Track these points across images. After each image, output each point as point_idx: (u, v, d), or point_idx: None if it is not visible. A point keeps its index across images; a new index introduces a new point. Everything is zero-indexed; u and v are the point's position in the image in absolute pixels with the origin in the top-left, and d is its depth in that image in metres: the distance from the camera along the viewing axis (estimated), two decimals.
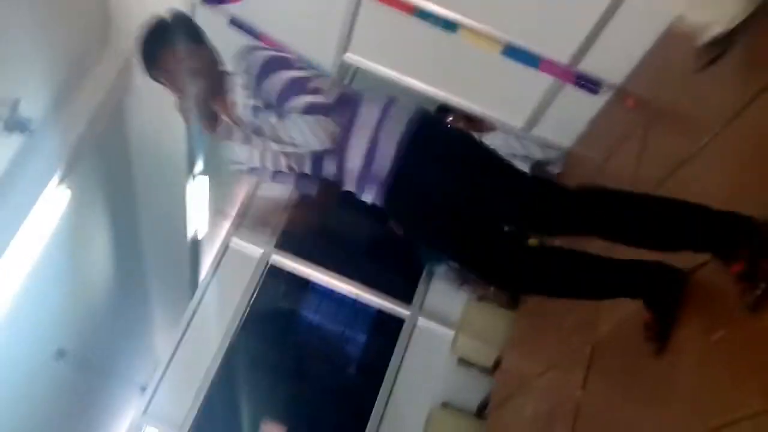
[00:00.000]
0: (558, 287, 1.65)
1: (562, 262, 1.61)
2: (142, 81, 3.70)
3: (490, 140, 3.37)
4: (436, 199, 1.60)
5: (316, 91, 1.59)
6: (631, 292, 1.63)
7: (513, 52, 2.82)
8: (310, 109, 1.57)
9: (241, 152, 1.68)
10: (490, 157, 1.61)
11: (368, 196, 1.67)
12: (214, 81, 1.68)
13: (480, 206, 1.59)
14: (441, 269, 3.80)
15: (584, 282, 1.61)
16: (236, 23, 3.21)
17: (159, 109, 4.00)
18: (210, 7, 3.18)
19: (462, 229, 1.62)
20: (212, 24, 3.20)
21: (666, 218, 1.47)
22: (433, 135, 1.61)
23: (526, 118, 3.21)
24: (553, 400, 2.35)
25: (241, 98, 1.64)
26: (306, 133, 1.54)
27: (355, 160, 1.60)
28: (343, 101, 1.61)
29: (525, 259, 1.62)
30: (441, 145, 1.60)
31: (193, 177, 4.78)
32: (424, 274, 3.94)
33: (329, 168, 1.64)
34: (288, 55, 1.71)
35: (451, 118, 3.44)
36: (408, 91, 3.26)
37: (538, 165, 3.35)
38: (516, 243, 1.67)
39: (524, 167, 3.26)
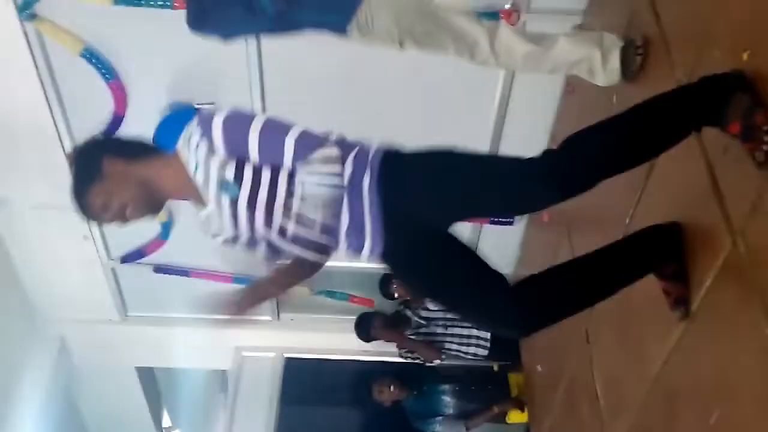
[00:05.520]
0: (570, 304, 1.51)
1: (562, 279, 1.50)
2: (79, 359, 3.68)
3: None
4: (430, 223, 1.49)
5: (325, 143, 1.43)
6: (640, 272, 1.53)
7: None
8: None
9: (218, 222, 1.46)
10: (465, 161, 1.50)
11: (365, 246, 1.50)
12: (149, 180, 1.48)
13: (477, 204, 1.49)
14: (439, 425, 3.58)
15: (595, 288, 1.50)
16: (161, 270, 3.27)
17: (105, 380, 3.89)
18: (130, 265, 3.25)
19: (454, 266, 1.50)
20: (137, 276, 3.27)
21: (649, 120, 1.40)
22: (402, 164, 1.48)
23: None
24: None
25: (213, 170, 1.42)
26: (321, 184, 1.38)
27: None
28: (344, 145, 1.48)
29: (526, 289, 1.48)
30: (413, 172, 1.47)
31: None
32: None
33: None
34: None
35: (395, 286, 3.49)
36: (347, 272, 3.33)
37: None
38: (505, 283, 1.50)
39: None
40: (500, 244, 3.19)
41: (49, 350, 3.59)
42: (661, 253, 1.55)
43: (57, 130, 2.75)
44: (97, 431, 4.24)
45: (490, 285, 1.50)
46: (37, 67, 2.56)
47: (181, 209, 3.08)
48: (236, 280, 3.32)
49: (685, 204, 1.61)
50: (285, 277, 1.56)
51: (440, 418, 3.35)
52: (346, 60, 2.56)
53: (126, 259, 3.24)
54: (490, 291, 1.48)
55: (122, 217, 1.48)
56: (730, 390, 1.39)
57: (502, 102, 2.67)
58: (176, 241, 3.18)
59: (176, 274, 3.27)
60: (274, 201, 1.42)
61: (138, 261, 3.24)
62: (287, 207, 1.42)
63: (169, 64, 2.59)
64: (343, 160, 1.44)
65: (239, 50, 2.52)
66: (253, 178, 1.41)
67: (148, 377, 4.23)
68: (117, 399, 3.95)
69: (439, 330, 3.33)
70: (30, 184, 2.97)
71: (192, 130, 1.44)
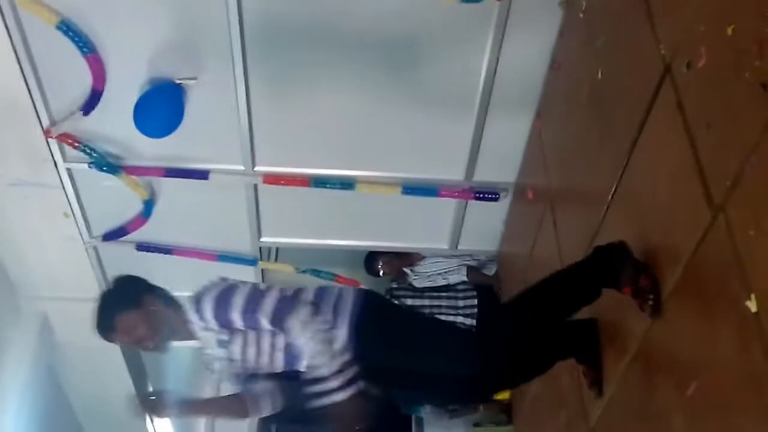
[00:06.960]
0: (511, 380, 2.28)
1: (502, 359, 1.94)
2: (62, 337, 3.66)
3: (424, 267, 3.46)
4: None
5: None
6: (563, 357, 2.05)
7: (411, 189, 2.96)
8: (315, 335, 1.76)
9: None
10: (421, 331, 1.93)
11: None
12: (170, 325, 1.88)
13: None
14: (425, 411, 3.64)
15: (528, 367, 2.08)
16: (143, 248, 3.24)
17: (89, 357, 3.87)
18: (113, 242, 3.21)
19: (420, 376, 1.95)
20: (120, 255, 3.24)
21: (559, 293, 1.83)
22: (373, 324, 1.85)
23: (448, 240, 3.33)
24: None
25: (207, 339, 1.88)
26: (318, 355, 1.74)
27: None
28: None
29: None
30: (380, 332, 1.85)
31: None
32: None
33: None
34: (261, 288, 1.89)
35: (381, 264, 3.52)
36: (332, 250, 3.36)
37: (474, 269, 3.42)
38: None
39: (461, 276, 3.40)
40: (485, 220, 3.21)
41: (31, 328, 3.55)
42: (581, 345, 1.98)
43: (34, 104, 2.69)
44: (82, 409, 4.24)
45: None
46: (11, 40, 2.49)
47: (164, 187, 3.05)
48: (220, 258, 3.30)
49: (666, 179, 1.62)
50: (220, 409, 2.05)
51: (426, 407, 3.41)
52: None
53: (108, 236, 3.20)
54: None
55: (136, 344, 1.85)
56: (707, 362, 1.42)
57: (488, 76, 2.66)
58: (159, 219, 3.15)
59: (159, 252, 3.25)
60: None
61: (120, 239, 3.21)
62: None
63: (149, 37, 2.53)
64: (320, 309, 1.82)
65: (221, 22, 2.47)
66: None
67: (132, 354, 4.21)
68: (101, 377, 3.94)
69: (426, 302, 3.37)
70: (7, 161, 2.91)
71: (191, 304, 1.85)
